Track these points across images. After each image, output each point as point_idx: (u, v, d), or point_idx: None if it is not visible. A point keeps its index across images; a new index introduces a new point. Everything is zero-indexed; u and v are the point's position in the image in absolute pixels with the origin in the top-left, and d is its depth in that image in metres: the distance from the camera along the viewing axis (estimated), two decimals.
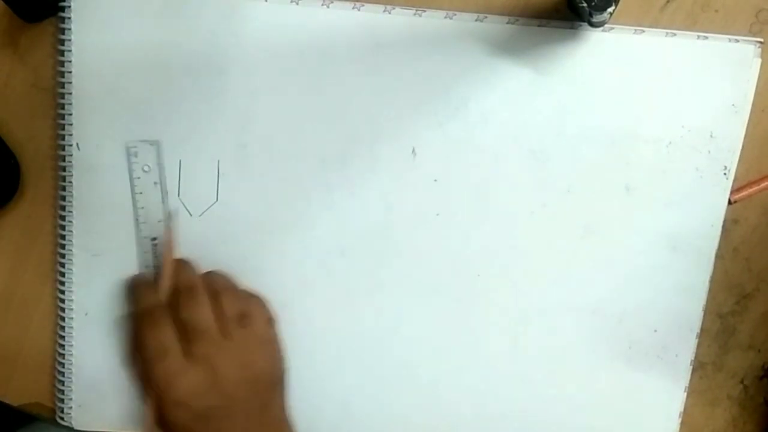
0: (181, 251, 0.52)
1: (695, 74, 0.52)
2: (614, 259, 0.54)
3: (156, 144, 0.51)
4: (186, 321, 0.49)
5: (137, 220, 0.52)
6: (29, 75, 0.53)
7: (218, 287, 0.51)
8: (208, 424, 0.49)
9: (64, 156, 0.52)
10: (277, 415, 0.52)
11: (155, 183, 0.52)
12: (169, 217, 0.51)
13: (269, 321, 0.53)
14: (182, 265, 0.52)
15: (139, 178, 0.52)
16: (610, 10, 0.45)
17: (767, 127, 0.53)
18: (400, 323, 0.53)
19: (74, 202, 0.53)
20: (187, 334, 0.49)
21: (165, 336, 0.49)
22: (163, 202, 0.51)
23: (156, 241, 0.52)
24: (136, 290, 0.53)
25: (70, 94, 0.52)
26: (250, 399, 0.50)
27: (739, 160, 0.53)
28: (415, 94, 0.52)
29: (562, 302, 0.55)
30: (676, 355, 0.55)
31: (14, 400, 0.57)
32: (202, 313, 0.50)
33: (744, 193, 0.54)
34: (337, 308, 0.55)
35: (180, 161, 0.53)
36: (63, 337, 0.55)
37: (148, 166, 0.51)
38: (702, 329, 0.55)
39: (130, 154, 0.51)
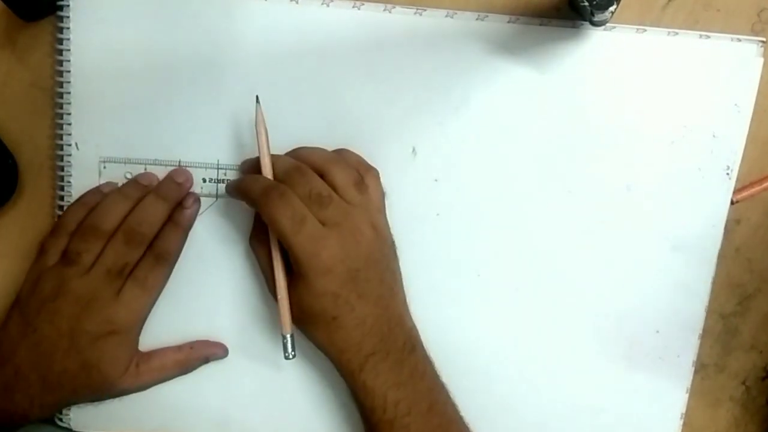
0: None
1: (697, 74, 0.52)
2: (615, 259, 0.54)
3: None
4: (307, 194, 0.48)
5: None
6: (28, 74, 0.53)
7: (320, 163, 0.50)
8: (354, 287, 0.48)
9: (62, 156, 0.52)
10: (401, 283, 0.52)
11: None
12: (257, 102, 0.50)
13: (381, 191, 0.52)
14: (276, 156, 0.51)
15: None
16: (611, 9, 0.45)
17: None
18: None
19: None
20: (312, 206, 0.48)
21: (297, 205, 0.47)
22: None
23: None
24: (244, 183, 0.50)
25: (69, 93, 0.52)
26: (382, 261, 0.50)
27: (742, 160, 0.53)
28: (415, 93, 0.52)
29: (563, 302, 0.54)
30: (678, 356, 0.55)
31: None
32: (320, 184, 0.48)
33: (746, 193, 0.53)
34: None
35: (180, 161, 0.53)
36: None
37: None
38: (704, 330, 0.55)
39: None
